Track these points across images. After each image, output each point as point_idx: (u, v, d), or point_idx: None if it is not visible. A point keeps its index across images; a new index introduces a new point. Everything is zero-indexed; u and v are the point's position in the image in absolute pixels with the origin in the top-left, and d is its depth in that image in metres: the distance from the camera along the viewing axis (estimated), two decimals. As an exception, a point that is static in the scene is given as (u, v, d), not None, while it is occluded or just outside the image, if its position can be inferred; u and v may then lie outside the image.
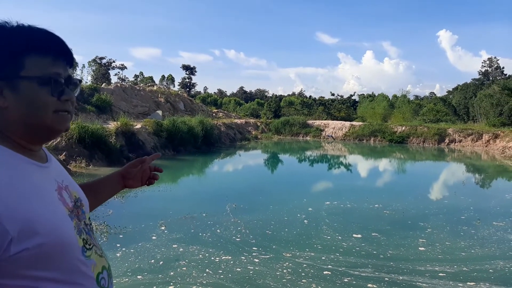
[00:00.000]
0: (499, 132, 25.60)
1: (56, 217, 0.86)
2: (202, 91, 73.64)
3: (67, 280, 0.85)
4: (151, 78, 61.23)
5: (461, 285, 4.92)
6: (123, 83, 34.25)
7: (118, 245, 5.91)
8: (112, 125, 16.04)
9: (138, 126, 16.98)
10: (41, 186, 0.88)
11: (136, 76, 64.26)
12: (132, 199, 9.11)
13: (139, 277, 4.93)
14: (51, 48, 0.90)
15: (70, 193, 0.96)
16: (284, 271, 5.22)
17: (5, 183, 0.79)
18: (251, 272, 5.17)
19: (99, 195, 1.26)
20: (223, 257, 5.64)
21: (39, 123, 0.89)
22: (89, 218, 1.03)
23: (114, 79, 54.60)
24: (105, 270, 0.98)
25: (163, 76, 64.41)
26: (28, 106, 0.87)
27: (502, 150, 22.53)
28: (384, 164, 19.32)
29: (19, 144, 0.89)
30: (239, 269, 5.24)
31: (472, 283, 4.96)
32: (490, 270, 5.39)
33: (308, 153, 23.03)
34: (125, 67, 60.85)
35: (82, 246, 0.91)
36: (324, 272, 5.21)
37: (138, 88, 29.03)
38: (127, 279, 4.83)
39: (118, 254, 5.56)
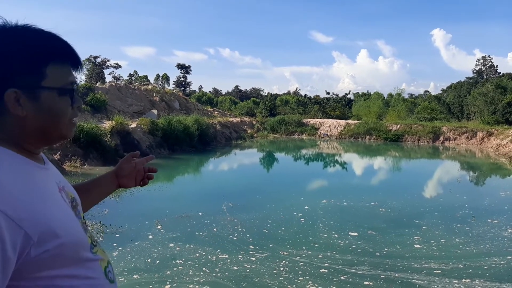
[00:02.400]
0: (493, 130, 25.77)
1: (68, 217, 0.89)
2: (197, 90, 73.50)
3: (80, 275, 0.88)
4: (145, 77, 60.98)
5: (456, 282, 4.95)
6: (117, 82, 34.08)
7: (114, 244, 5.90)
8: (107, 124, 15.98)
9: (133, 125, 16.92)
10: (48, 187, 0.90)
11: (130, 75, 63.97)
12: (128, 198, 9.08)
13: (135, 276, 4.92)
14: (69, 56, 0.91)
15: (67, 193, 0.97)
16: (281, 269, 5.23)
17: (21, 187, 0.81)
18: (248, 270, 5.18)
19: (93, 195, 1.26)
20: (220, 256, 5.64)
21: (56, 131, 0.92)
22: (83, 217, 1.04)
23: (108, 78, 54.34)
24: (109, 264, 1.02)
25: (157, 75, 64.17)
26: (48, 116, 0.88)
27: (496, 148, 22.68)
28: (379, 162, 19.40)
29: (24, 148, 0.89)
30: (236, 268, 5.25)
31: (467, 280, 5.00)
32: (485, 267, 5.43)
33: (304, 151, 23.06)
34: (120, 66, 60.58)
35: (90, 243, 0.94)
36: (321, 270, 5.23)
37: (133, 87, 28.92)
38: (123, 279, 4.81)
39: (114, 254, 5.54)
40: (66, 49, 0.91)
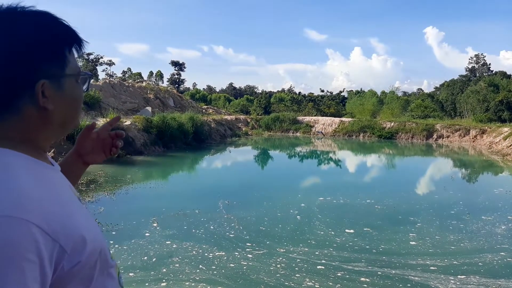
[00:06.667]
0: (486, 127, 25.99)
1: (92, 221, 0.81)
2: (191, 87, 73.30)
3: (106, 286, 0.81)
4: (139, 74, 60.73)
5: (452, 278, 4.99)
6: (111, 79, 33.82)
7: (111, 242, 5.86)
8: (101, 122, 15.88)
9: (128, 122, 16.83)
10: (66, 191, 0.81)
11: (124, 72, 63.67)
12: (123, 196, 9.04)
13: (131, 274, 4.90)
14: (77, 40, 0.82)
15: (75, 193, 0.88)
16: (278, 266, 5.24)
17: (47, 196, 0.72)
18: (244, 267, 5.18)
19: None
20: (216, 253, 5.63)
21: (74, 121, 0.84)
22: None
23: (102, 75, 54.07)
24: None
25: (151, 72, 63.99)
26: (70, 106, 0.80)
27: (489, 145, 22.88)
28: (374, 160, 19.49)
29: (37, 147, 0.79)
30: (233, 265, 5.25)
31: (462, 276, 5.04)
32: (480, 263, 5.49)
33: (299, 149, 23.11)
34: (113, 63, 60.36)
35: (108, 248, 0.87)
36: (318, 267, 5.25)
37: (127, 84, 28.74)
38: (120, 276, 4.79)
39: (110, 252, 5.51)
40: (74, 32, 0.81)
